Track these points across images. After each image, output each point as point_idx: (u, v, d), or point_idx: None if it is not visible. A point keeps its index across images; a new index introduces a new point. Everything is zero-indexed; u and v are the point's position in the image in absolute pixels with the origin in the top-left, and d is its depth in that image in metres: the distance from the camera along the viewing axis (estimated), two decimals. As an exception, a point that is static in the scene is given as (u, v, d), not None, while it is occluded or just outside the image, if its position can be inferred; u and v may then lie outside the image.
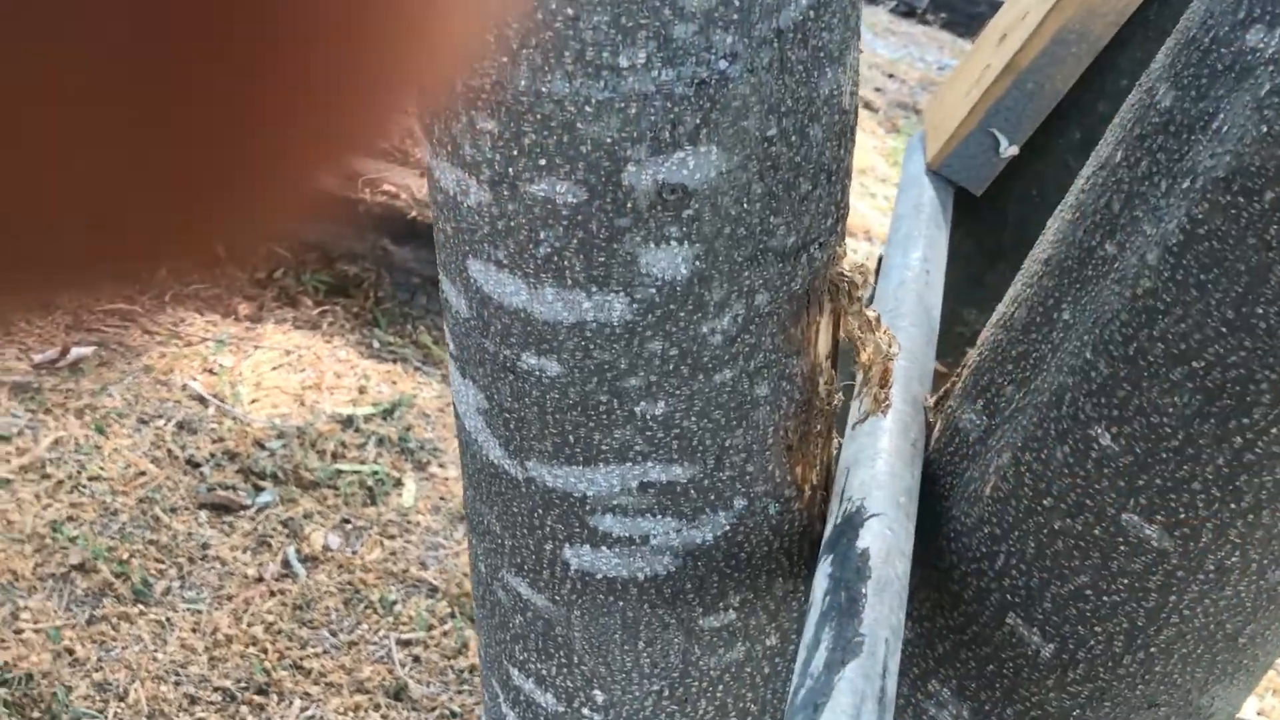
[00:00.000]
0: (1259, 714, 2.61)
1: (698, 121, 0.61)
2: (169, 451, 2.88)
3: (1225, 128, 0.66)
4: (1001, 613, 0.79)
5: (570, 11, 0.58)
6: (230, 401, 2.99)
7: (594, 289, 0.66)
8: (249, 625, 2.49)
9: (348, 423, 2.92)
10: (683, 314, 0.67)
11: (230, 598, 2.54)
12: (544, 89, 0.60)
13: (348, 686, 2.42)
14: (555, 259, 0.66)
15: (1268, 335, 0.65)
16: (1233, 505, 0.70)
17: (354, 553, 2.63)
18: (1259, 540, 0.71)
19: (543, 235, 0.65)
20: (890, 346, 0.75)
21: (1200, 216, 0.67)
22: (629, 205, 0.63)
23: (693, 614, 0.78)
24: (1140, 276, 0.70)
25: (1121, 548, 0.74)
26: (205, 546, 2.64)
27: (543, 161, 0.63)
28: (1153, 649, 0.76)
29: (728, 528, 0.76)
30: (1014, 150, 1.17)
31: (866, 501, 0.77)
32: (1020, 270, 0.84)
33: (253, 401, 3.04)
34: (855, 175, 3.99)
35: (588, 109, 0.60)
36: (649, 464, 0.72)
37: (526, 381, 0.71)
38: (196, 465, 2.85)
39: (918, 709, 0.85)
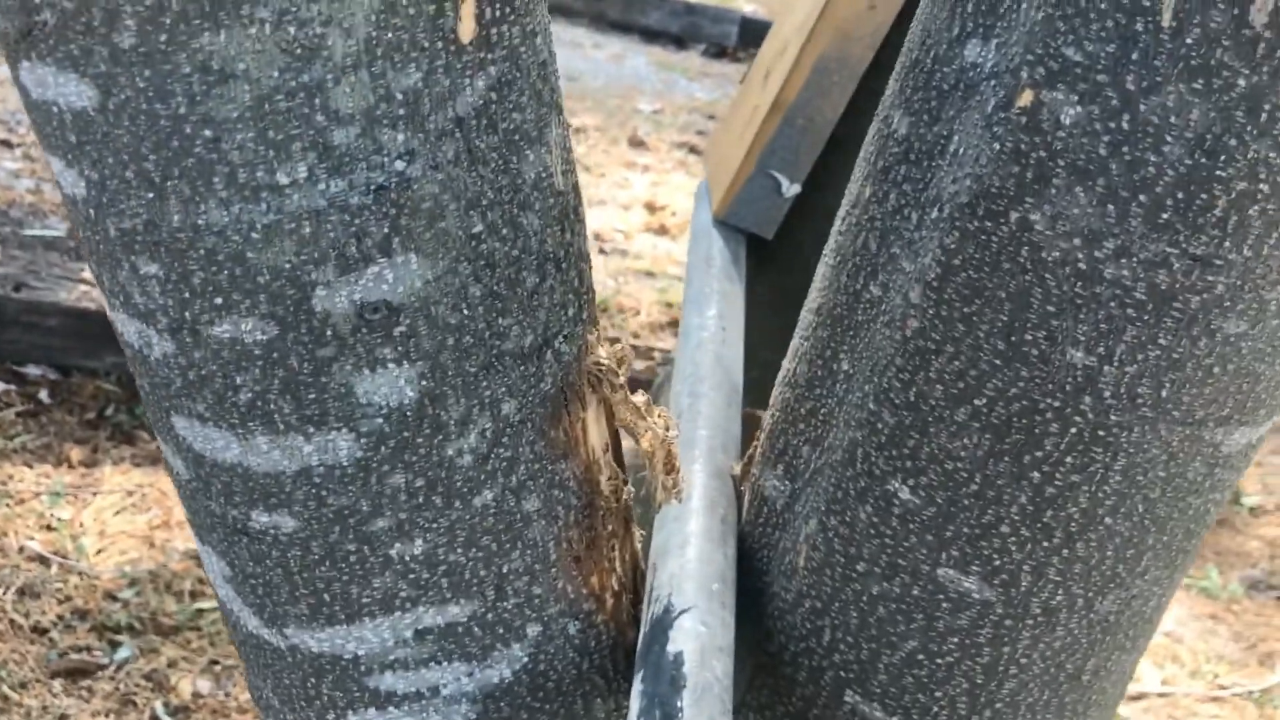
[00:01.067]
0: (1163, 684, 2.62)
1: (386, 230, 0.55)
2: (12, 621, 2.68)
3: (961, 150, 0.62)
4: (839, 691, 0.73)
5: (209, 134, 0.51)
6: (74, 556, 2.80)
7: (311, 430, 0.59)
8: (122, 795, 2.31)
9: (202, 558, 2.75)
10: (420, 439, 0.60)
11: (97, 769, 2.36)
12: (200, 221, 0.53)
13: (236, 842, 2.25)
14: (260, 404, 0.58)
15: (1042, 362, 0.61)
16: (1045, 543, 0.65)
17: (227, 695, 2.47)
18: (1079, 574, 0.66)
19: (239, 380, 0.57)
20: (668, 430, 0.69)
21: (953, 246, 0.62)
22: (328, 333, 0.56)
23: (508, 759, 0.70)
24: (907, 317, 0.65)
25: (944, 604, 0.68)
26: (63, 718, 2.45)
27: (219, 300, 0.55)
28: (998, 704, 0.71)
29: (526, 659, 0.68)
30: (796, 189, 1.13)
31: (675, 598, 0.70)
32: (797, 323, 0.79)
33: (98, 552, 2.86)
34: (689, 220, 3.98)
35: (254, 235, 0.53)
36: (420, 609, 0.65)
37: (262, 543, 0.63)
38: (44, 631, 2.65)
39: (773, 807, 0.78)
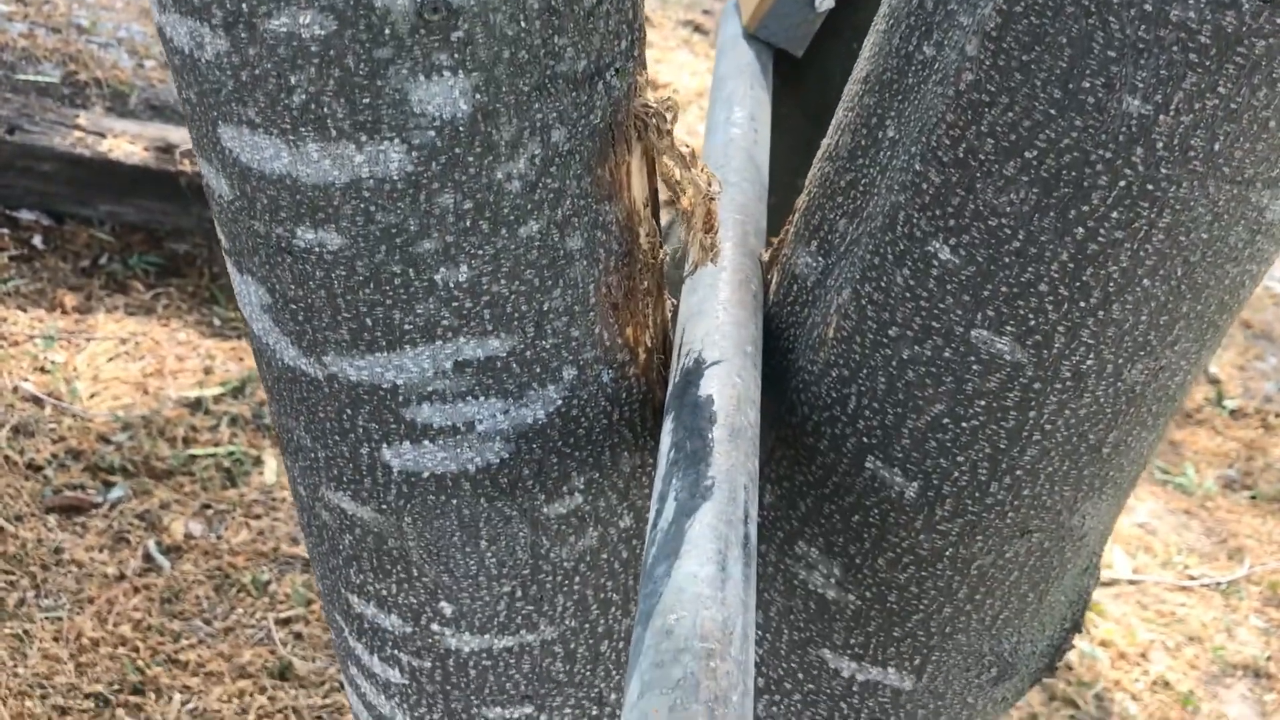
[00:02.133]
0: (1134, 572, 2.69)
1: (452, -75, 0.54)
2: (6, 458, 2.69)
3: (1030, -106, 0.61)
4: (860, 457, 0.75)
5: None
6: (68, 399, 2.81)
7: (364, 138, 0.58)
8: (115, 625, 2.35)
9: (196, 405, 2.77)
10: (471, 158, 0.60)
11: (91, 600, 2.39)
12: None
13: (229, 673, 2.30)
14: (313, 107, 0.57)
15: (1097, 110, 0.61)
16: (1082, 303, 0.66)
17: (219, 537, 2.50)
18: (1112, 338, 0.67)
19: (294, 80, 0.57)
20: (710, 184, 0.69)
21: (1015, -6, 0.62)
22: (387, 32, 0.55)
23: (535, 503, 0.72)
24: (962, 71, 0.65)
25: (974, 367, 0.69)
26: (58, 551, 2.48)
27: (278, -12, 0.54)
28: (1018, 471, 0.72)
29: (560, 402, 0.69)
30: (830, 4, 1.12)
31: (707, 351, 0.71)
32: (841, 98, 0.79)
33: (92, 396, 2.87)
34: (695, 98, 3.93)
35: (319, -81, 0.52)
36: (461, 339, 0.65)
37: (307, 262, 0.63)
38: (39, 469, 2.67)
39: (787, 574, 0.80)
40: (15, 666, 2.27)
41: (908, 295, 0.70)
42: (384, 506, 0.71)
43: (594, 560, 0.76)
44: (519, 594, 0.74)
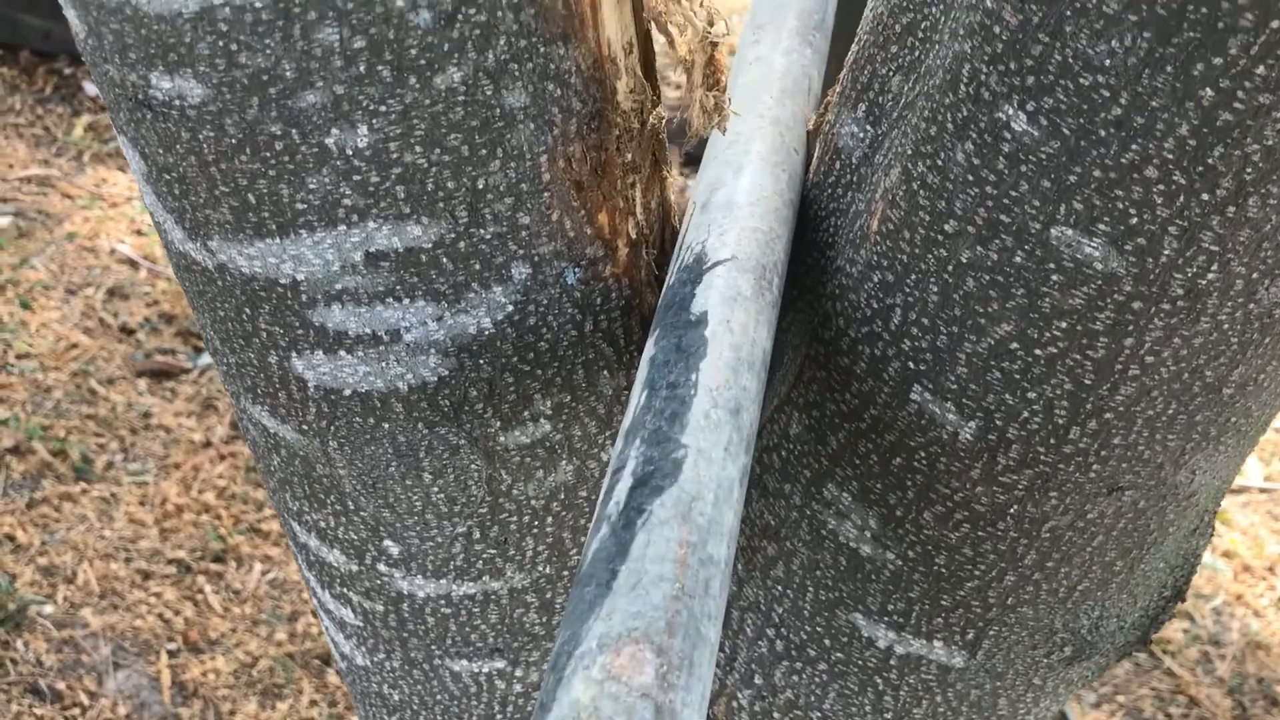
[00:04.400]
0: (1266, 480, 2.43)
1: None
2: (101, 320, 2.69)
3: None
4: (904, 386, 0.58)
5: None
6: (162, 262, 2.78)
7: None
8: (200, 493, 2.34)
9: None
10: (358, -17, 0.44)
11: (177, 466, 2.38)
12: None
13: (306, 547, 2.26)
14: (138, -92, 0.42)
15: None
16: (1204, 195, 0.48)
17: (304, 407, 2.44)
18: (1244, 244, 0.49)
19: None
20: (712, 24, 0.52)
21: None
22: None
23: (488, 430, 0.58)
24: None
25: (1054, 277, 0.52)
26: (147, 415, 2.47)
27: None
28: (1107, 414, 0.55)
29: (510, 308, 0.54)
30: None
31: (713, 244, 0.55)
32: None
33: (185, 260, 2.81)
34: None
35: None
36: (370, 224, 0.50)
37: (169, 120, 0.49)
38: (131, 332, 2.66)
39: (814, 520, 0.65)
40: (102, 529, 2.28)
41: (970, 179, 0.52)
42: (305, 427, 0.58)
43: (569, 499, 0.62)
44: (476, 535, 0.61)
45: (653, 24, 0.54)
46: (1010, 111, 0.50)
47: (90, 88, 3.22)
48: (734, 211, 0.59)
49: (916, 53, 0.56)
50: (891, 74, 0.58)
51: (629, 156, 0.56)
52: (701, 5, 0.53)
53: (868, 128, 0.60)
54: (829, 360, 0.62)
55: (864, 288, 0.59)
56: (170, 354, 2.60)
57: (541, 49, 0.49)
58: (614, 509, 0.42)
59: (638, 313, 0.59)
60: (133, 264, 2.84)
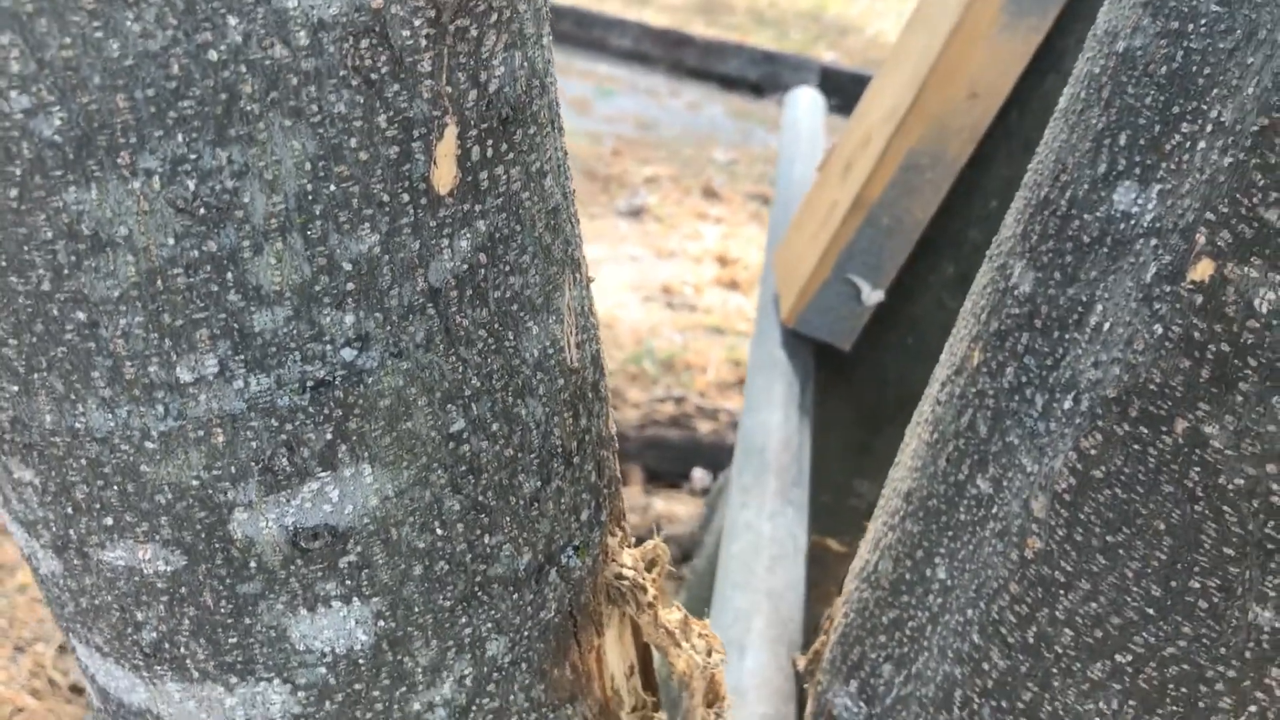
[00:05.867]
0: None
1: (329, 437, 0.41)
2: (50, 680, 2.59)
3: (1107, 325, 0.47)
4: None
5: (82, 316, 0.37)
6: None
7: (234, 680, 0.45)
8: None
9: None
10: (377, 692, 0.46)
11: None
12: (78, 425, 0.39)
13: None
14: (167, 646, 0.44)
15: (1214, 619, 0.45)
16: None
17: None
18: None
19: (140, 616, 0.44)
20: (710, 655, 0.54)
21: (1093, 452, 0.47)
22: (252, 565, 0.42)
23: None
24: (1027, 533, 0.50)
25: None
26: None
27: (109, 520, 0.41)
28: None
29: None
30: (879, 296, 0.98)
31: None
32: (879, 500, 0.64)
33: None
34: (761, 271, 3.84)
35: (149, 445, 0.40)
36: None
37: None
38: (81, 691, 2.56)
39: None
40: None
41: (970, 798, 0.53)
42: None
43: None
44: None
45: (653, 646, 0.56)
46: (1005, 747, 0.52)
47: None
48: (743, 698, 0.61)
49: (905, 649, 0.59)
50: (882, 661, 0.60)
51: (633, 768, 0.56)
52: (700, 636, 0.55)
53: (862, 704, 0.62)
54: None
55: None
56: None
57: (551, 715, 0.51)
58: None
59: None
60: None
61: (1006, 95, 0.91)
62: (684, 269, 3.89)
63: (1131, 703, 0.48)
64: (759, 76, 4.83)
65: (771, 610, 0.72)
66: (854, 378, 1.04)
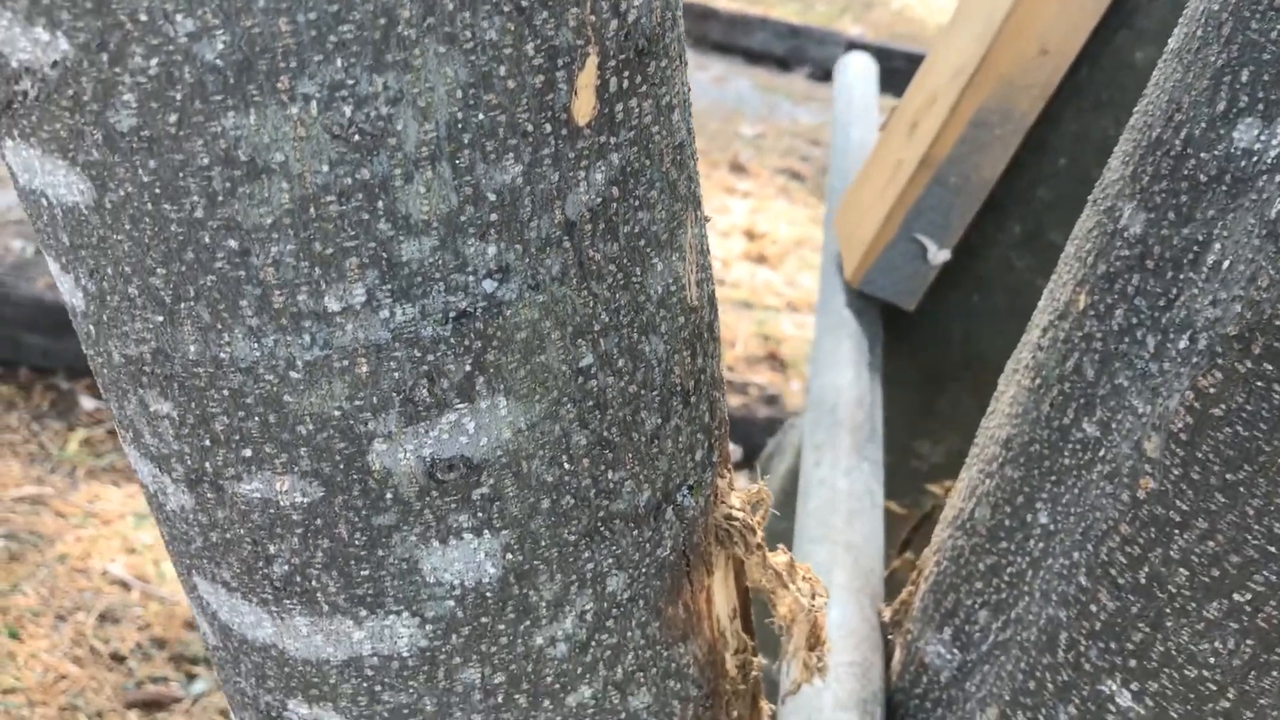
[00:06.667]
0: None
1: (468, 368, 0.41)
2: (91, 648, 2.62)
3: (1226, 263, 0.47)
4: None
5: (234, 244, 0.37)
6: (155, 581, 2.74)
7: (364, 613, 0.45)
8: (193, 839, 2.23)
9: (280, 592, 2.67)
10: (503, 626, 0.46)
11: (167, 806, 2.28)
12: (222, 355, 0.40)
13: None
14: (299, 579, 0.45)
15: (1339, 555, 0.45)
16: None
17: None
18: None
19: (273, 549, 0.44)
20: (814, 598, 0.55)
21: (1212, 390, 0.47)
22: (388, 497, 0.43)
23: None
24: (1139, 473, 0.50)
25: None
26: (137, 752, 2.38)
27: (247, 452, 0.42)
28: None
29: None
30: (945, 255, 0.98)
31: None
32: (972, 447, 0.64)
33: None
34: (793, 247, 3.83)
35: (294, 375, 0.40)
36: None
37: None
38: (122, 659, 2.59)
39: None
40: None
41: (1074, 741, 0.54)
42: None
43: None
44: None
45: (755, 590, 0.56)
46: (1114, 686, 0.52)
47: (87, 402, 3.26)
48: (830, 647, 0.62)
49: (1004, 594, 0.59)
50: (978, 608, 0.61)
51: (735, 713, 0.57)
52: (805, 579, 0.55)
53: (955, 651, 0.62)
54: None
55: (965, 817, 0.59)
56: (162, 682, 2.52)
57: (665, 653, 0.51)
58: None
59: None
60: (124, 585, 2.80)
61: (1077, 52, 0.91)
62: (712, 243, 3.89)
63: (1250, 641, 0.48)
64: (785, 50, 4.81)
65: (852, 563, 0.72)
66: (916, 338, 1.04)
